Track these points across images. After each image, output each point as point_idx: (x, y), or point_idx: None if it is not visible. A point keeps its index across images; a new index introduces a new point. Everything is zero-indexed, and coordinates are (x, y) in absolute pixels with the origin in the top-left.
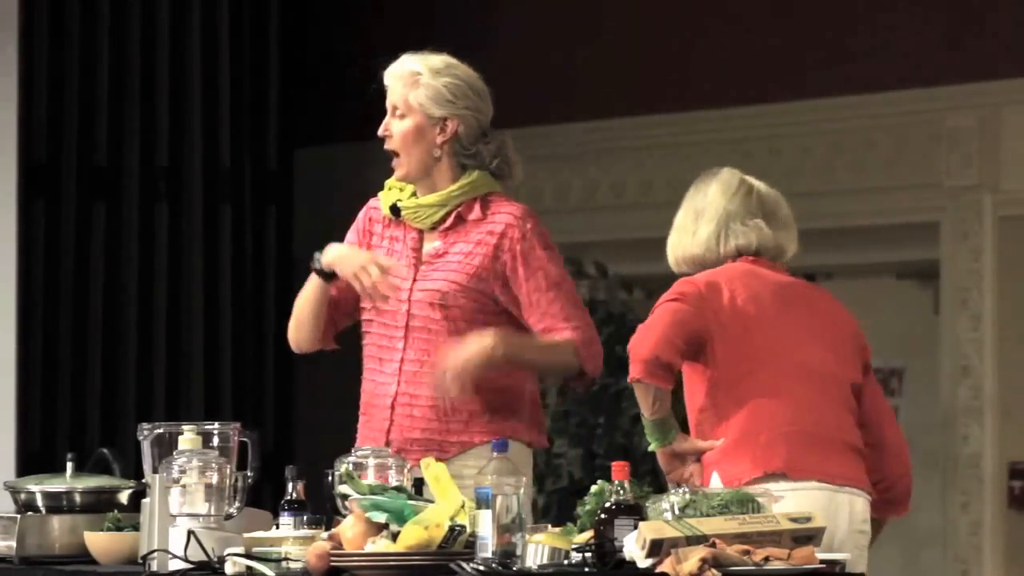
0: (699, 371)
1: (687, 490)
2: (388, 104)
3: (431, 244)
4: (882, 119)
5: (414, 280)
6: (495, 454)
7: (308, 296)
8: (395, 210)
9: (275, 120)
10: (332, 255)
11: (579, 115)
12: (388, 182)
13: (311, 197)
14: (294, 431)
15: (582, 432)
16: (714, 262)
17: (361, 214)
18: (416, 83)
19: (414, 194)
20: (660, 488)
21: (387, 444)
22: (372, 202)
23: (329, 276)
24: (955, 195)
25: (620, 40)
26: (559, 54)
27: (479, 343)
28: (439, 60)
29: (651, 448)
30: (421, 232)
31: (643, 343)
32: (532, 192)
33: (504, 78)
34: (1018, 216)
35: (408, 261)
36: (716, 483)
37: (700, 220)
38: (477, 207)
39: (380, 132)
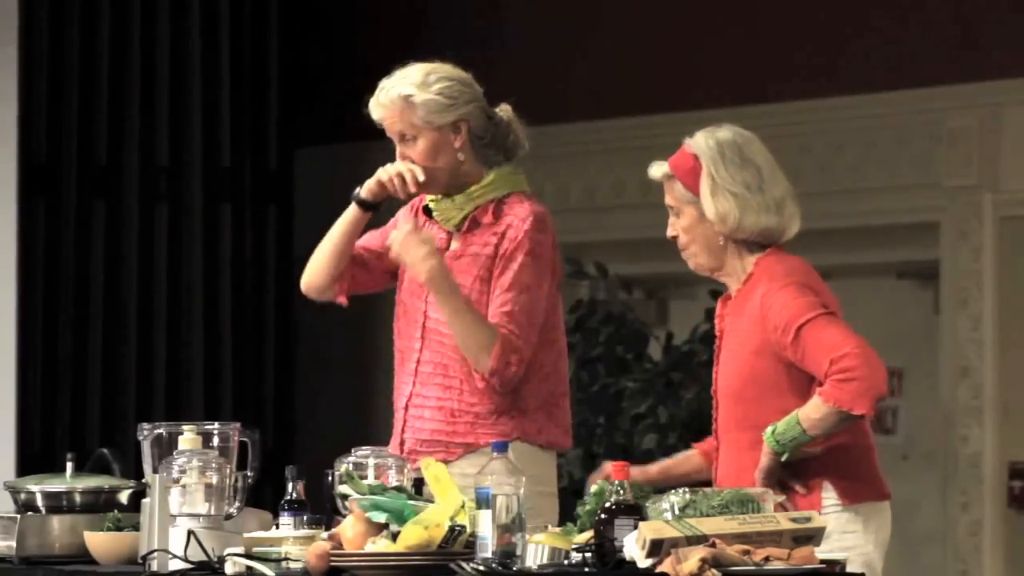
0: (805, 376)
1: (687, 490)
2: (392, 135)
3: (453, 246)
4: (882, 119)
5: None
6: (494, 454)
7: (338, 229)
8: (427, 210)
9: (275, 120)
10: (371, 180)
11: (579, 115)
12: None
13: (311, 197)
14: (294, 431)
15: (582, 432)
16: (776, 235)
17: (411, 203)
18: (411, 105)
19: (448, 194)
20: (660, 488)
21: (401, 444)
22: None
23: (368, 205)
24: (955, 195)
25: (620, 40)
26: (559, 54)
27: (419, 246)
28: (417, 73)
29: (784, 457)
30: (450, 234)
31: (878, 378)
32: (533, 192)
33: (504, 79)
34: (1018, 216)
35: None
36: (829, 494)
37: (768, 180)
38: (491, 210)
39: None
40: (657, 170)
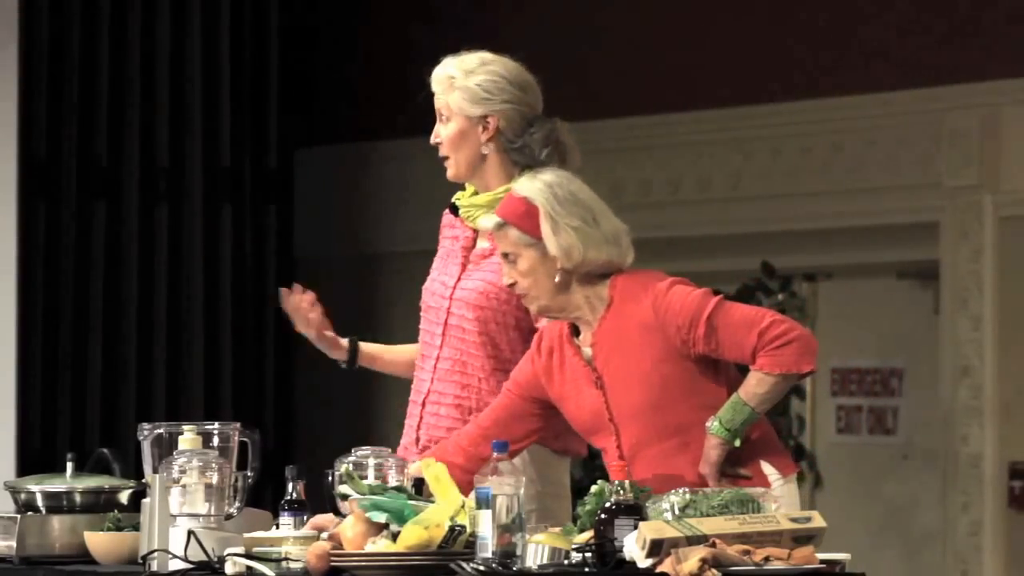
0: (712, 366)
1: (687, 490)
2: (436, 108)
3: (481, 244)
4: (882, 119)
5: (458, 279)
6: (495, 454)
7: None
8: (454, 208)
9: (275, 120)
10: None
11: (579, 115)
12: None
13: (311, 197)
14: (294, 431)
15: None
16: (617, 266)
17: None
18: (452, 87)
19: (475, 193)
20: None
21: (417, 440)
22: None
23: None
24: (955, 195)
25: (621, 40)
26: (559, 55)
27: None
28: (474, 59)
29: (737, 443)
30: (476, 232)
31: (810, 336)
32: None
33: None
34: (1018, 216)
35: (457, 259)
36: (770, 470)
37: (600, 215)
38: None
39: (432, 140)
40: (488, 221)
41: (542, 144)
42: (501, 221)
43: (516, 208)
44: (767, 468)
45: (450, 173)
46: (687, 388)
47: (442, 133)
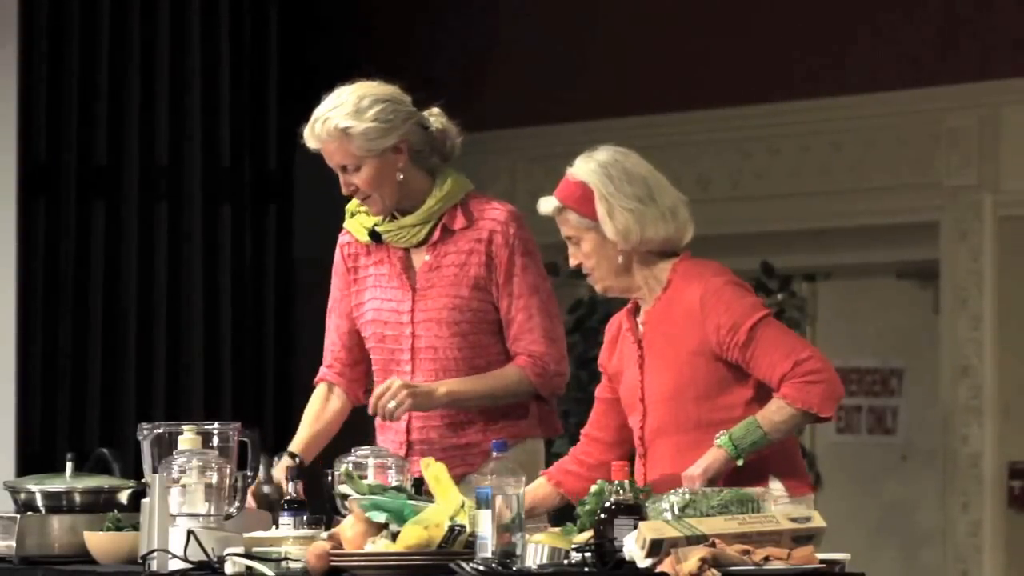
0: (742, 375)
1: (686, 490)
2: (333, 166)
3: (420, 259)
4: (882, 119)
5: (413, 301)
6: (495, 454)
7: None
8: (375, 235)
9: (275, 120)
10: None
11: (579, 115)
12: (350, 207)
13: (311, 197)
14: (294, 431)
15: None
16: (676, 243)
17: (337, 254)
18: (348, 136)
19: (394, 217)
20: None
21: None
22: (342, 237)
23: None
24: (955, 195)
25: (620, 40)
26: (559, 54)
27: (428, 395)
28: (349, 100)
29: (740, 463)
30: (406, 250)
31: (839, 382)
32: (533, 192)
33: (505, 79)
34: (1018, 216)
35: (400, 283)
36: (777, 485)
37: (656, 189)
38: (460, 214)
39: (345, 192)
40: (547, 205)
41: (442, 139)
42: (560, 205)
43: (572, 192)
44: (775, 485)
45: (375, 209)
46: (712, 388)
47: (357, 181)
